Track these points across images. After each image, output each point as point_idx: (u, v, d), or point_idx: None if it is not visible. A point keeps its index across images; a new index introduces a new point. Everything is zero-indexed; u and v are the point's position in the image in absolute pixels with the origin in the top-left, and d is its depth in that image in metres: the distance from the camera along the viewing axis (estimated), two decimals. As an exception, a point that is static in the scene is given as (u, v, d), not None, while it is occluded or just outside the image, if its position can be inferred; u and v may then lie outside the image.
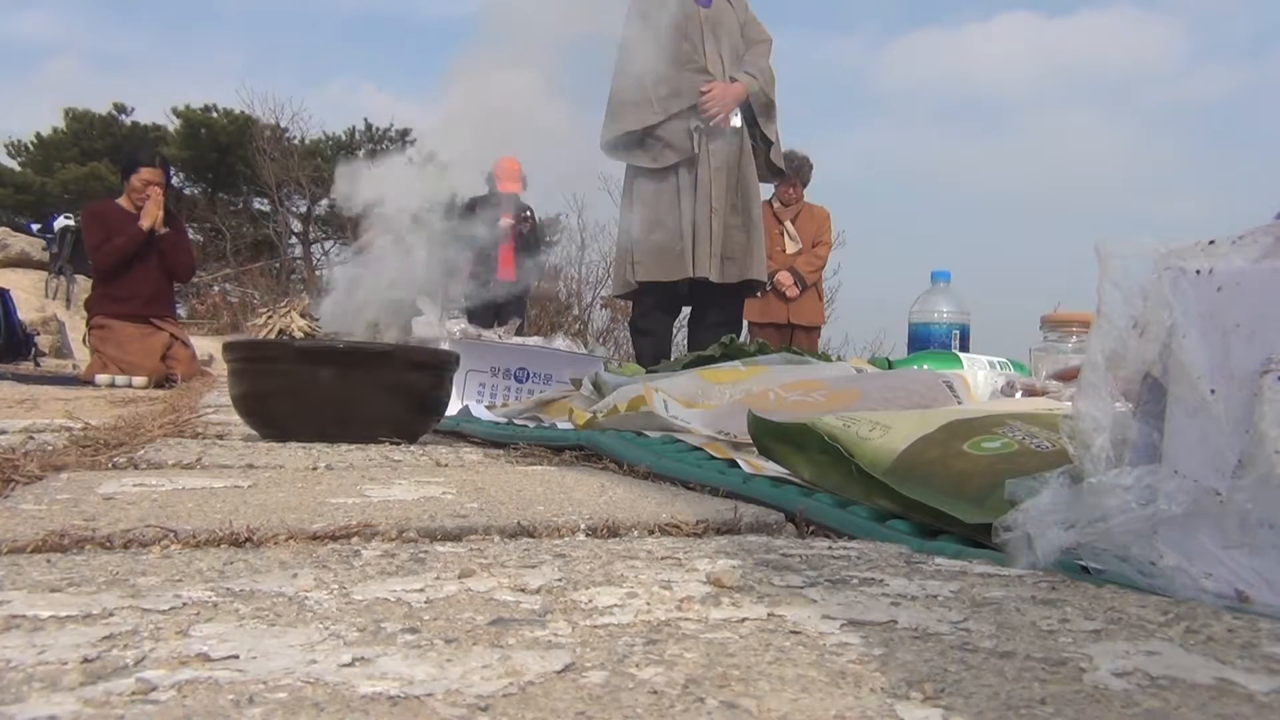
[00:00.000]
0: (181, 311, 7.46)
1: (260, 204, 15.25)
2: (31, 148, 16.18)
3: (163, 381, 4.02)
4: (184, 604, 0.49)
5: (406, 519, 0.76)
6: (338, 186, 1.90)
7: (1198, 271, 0.59)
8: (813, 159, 4.93)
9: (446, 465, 1.22)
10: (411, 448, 1.49)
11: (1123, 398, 0.63)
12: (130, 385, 3.86)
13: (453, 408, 1.90)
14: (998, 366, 1.91)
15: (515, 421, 1.90)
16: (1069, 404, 0.70)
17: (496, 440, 1.59)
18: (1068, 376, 1.37)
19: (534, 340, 2.64)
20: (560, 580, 0.58)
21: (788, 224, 4.77)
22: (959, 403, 1.43)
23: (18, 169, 16.01)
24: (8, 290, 6.35)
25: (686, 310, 3.62)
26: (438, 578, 0.58)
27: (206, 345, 6.13)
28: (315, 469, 1.13)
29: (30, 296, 8.05)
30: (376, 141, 15.21)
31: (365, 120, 15.63)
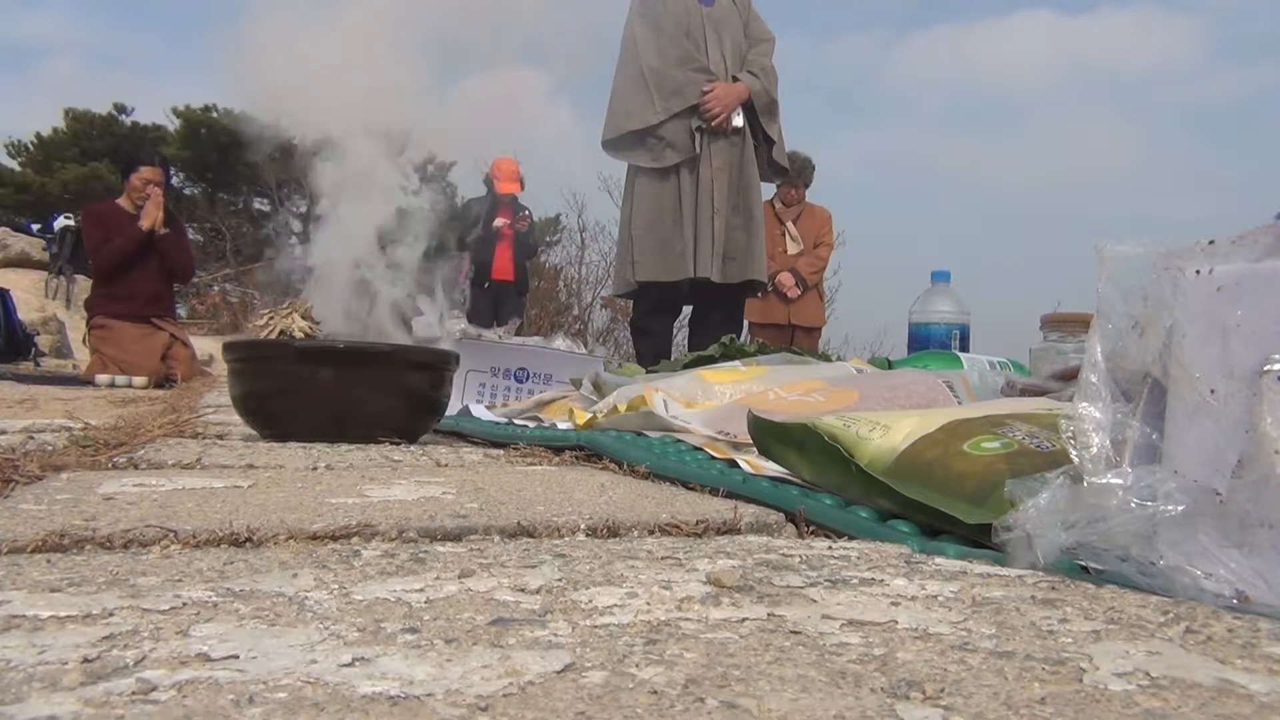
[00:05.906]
0: (181, 311, 7.46)
1: (260, 204, 15.25)
2: (31, 148, 16.19)
3: (163, 381, 4.02)
4: (184, 604, 0.49)
5: (406, 519, 0.76)
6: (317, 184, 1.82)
7: (1198, 271, 0.59)
8: (816, 159, 4.94)
9: (446, 465, 1.22)
10: (411, 448, 1.49)
11: (1123, 398, 0.63)
12: (130, 385, 3.86)
13: (453, 408, 1.90)
14: (998, 366, 1.91)
15: (515, 421, 1.90)
16: (1069, 404, 0.70)
17: (496, 440, 1.59)
18: (1068, 376, 1.37)
19: (534, 340, 2.63)
20: (560, 580, 0.58)
21: (789, 225, 4.77)
22: (959, 403, 1.43)
23: (18, 169, 16.02)
24: (8, 290, 6.35)
25: (687, 310, 3.62)
26: (438, 578, 0.58)
27: (206, 345, 6.12)
28: (315, 469, 1.13)
29: (30, 296, 8.06)
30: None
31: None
